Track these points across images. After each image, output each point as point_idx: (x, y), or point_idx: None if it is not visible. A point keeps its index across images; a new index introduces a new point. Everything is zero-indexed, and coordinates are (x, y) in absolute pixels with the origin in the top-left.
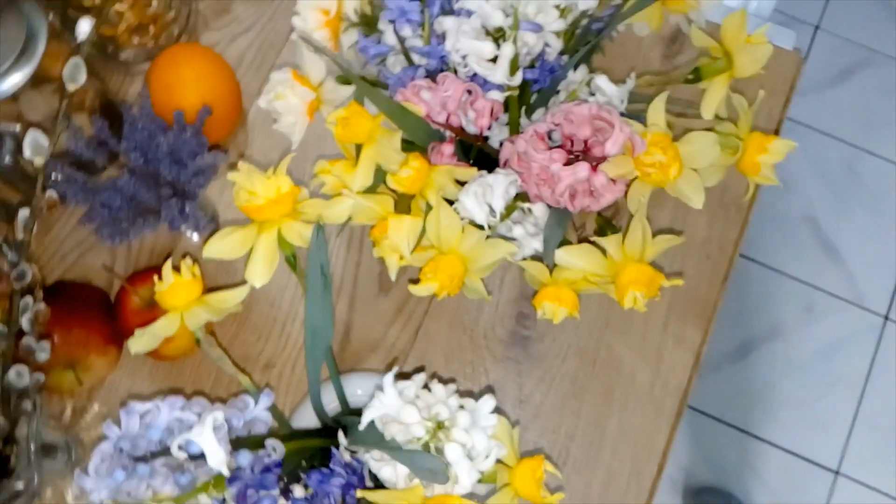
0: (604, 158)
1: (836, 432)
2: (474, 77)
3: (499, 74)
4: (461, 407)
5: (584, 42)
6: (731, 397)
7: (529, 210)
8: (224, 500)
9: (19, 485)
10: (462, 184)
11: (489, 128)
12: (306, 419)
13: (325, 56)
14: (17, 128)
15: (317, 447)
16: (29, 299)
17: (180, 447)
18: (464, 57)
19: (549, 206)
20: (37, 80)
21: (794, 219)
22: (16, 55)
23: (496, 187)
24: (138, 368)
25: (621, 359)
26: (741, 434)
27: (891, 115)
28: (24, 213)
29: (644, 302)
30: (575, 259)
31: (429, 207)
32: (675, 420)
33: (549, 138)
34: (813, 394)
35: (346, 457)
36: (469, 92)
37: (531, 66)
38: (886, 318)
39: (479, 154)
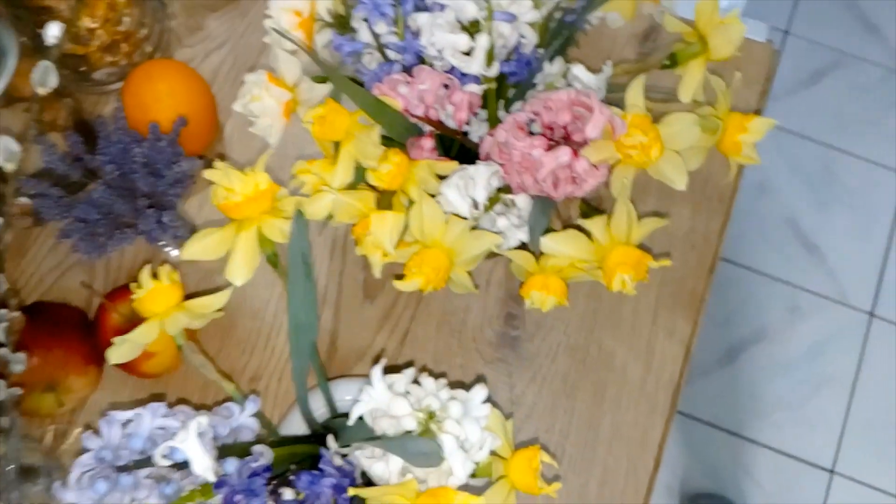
0: (585, 143)
1: (829, 431)
2: (451, 71)
3: (475, 65)
4: (452, 398)
5: (558, 35)
6: (722, 401)
7: (513, 202)
8: None
9: None
10: (443, 178)
11: (468, 122)
12: (294, 427)
13: (299, 56)
14: None
15: (307, 453)
16: (3, 311)
17: (164, 455)
18: (440, 51)
19: (533, 196)
20: (9, 99)
21: (774, 220)
22: None
23: (478, 179)
24: (120, 388)
25: (612, 355)
26: (734, 438)
27: (863, 115)
28: None
29: (632, 285)
30: (561, 245)
31: (411, 203)
32: (670, 414)
33: (529, 130)
34: (803, 394)
35: (338, 460)
36: (446, 86)
37: (507, 59)
38: (871, 314)
39: (460, 150)
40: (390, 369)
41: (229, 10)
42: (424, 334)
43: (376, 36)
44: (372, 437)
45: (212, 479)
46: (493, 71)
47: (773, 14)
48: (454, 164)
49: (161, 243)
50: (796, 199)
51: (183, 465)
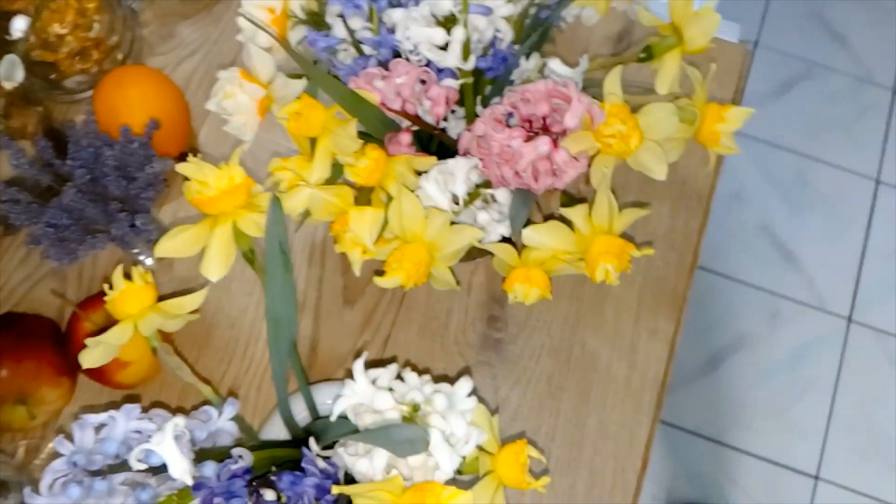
0: (564, 134)
1: (812, 437)
2: (427, 66)
3: (452, 58)
4: (437, 392)
5: (534, 31)
6: (705, 410)
7: (493, 197)
8: None
9: None
10: (422, 174)
11: (445, 118)
12: (275, 433)
13: (274, 54)
14: None
15: (288, 456)
16: None
17: (139, 459)
18: (415, 45)
19: (513, 189)
20: None
21: (750, 229)
22: None
23: (457, 173)
24: (94, 399)
25: (596, 355)
26: (718, 446)
27: (833, 123)
28: None
29: (615, 275)
30: (543, 237)
31: (389, 199)
32: (656, 412)
33: (507, 123)
34: (785, 400)
35: (320, 463)
36: (423, 81)
37: (483, 54)
38: (849, 319)
39: (438, 147)
40: (372, 365)
41: (202, 17)
42: (406, 339)
43: (351, 31)
44: (354, 433)
45: (189, 482)
46: (470, 64)
47: (742, 25)
48: (433, 160)
49: (135, 251)
50: (771, 208)
51: (159, 470)
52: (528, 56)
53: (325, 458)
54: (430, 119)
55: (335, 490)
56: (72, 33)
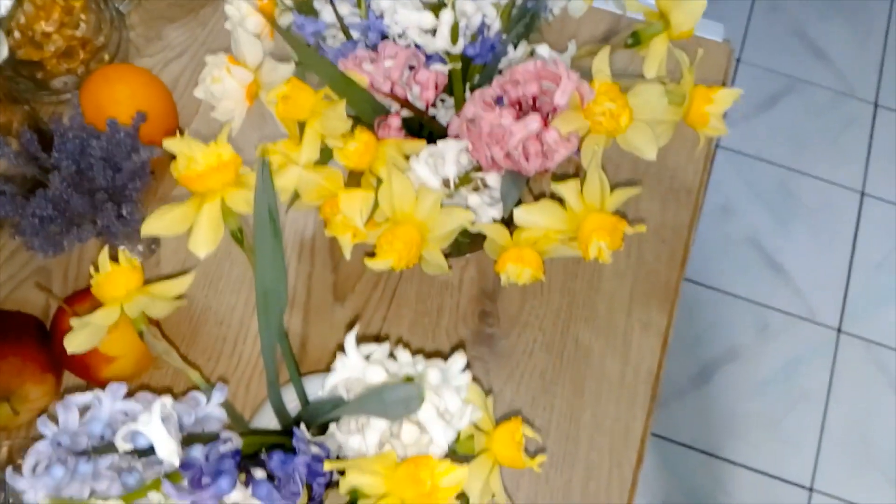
0: (554, 110)
1: (805, 448)
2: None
3: (440, 41)
4: (430, 367)
5: (521, 19)
6: (698, 423)
7: (483, 181)
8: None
9: None
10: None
11: (434, 104)
12: (265, 423)
13: (261, 41)
14: None
15: (279, 442)
16: None
17: (125, 439)
18: (404, 29)
19: (503, 174)
20: None
21: (738, 241)
22: None
23: (447, 154)
24: None
25: (589, 349)
26: (712, 459)
27: (817, 137)
28: None
29: (608, 253)
30: (534, 216)
31: (379, 183)
32: (650, 405)
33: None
34: (778, 412)
35: (313, 448)
36: (412, 67)
37: (472, 41)
38: (839, 330)
39: (429, 137)
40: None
41: (189, 20)
42: (397, 335)
43: (340, 17)
44: (344, 404)
45: (177, 463)
46: (458, 48)
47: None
48: (422, 143)
49: (122, 248)
50: (758, 220)
51: (146, 452)
52: (515, 45)
53: (317, 444)
54: (419, 104)
55: (328, 466)
56: (58, 31)
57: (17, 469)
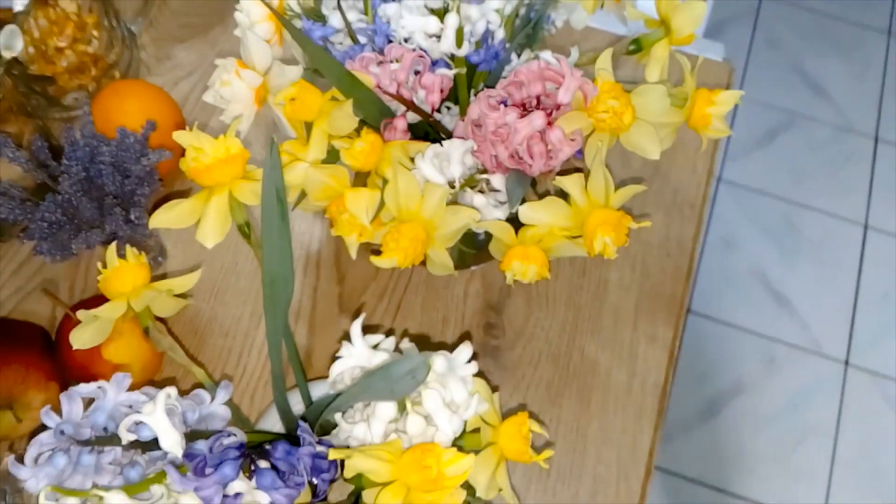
0: (558, 108)
1: (816, 482)
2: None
3: (446, 44)
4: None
5: (524, 29)
6: (706, 457)
7: (489, 183)
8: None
9: None
10: (417, 155)
11: (439, 109)
12: (269, 427)
13: (270, 47)
14: None
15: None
16: None
17: (129, 430)
18: (410, 34)
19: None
20: None
21: (743, 274)
22: None
23: (452, 154)
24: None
25: (595, 361)
26: (722, 494)
27: (818, 171)
28: None
29: (613, 248)
30: (539, 213)
31: (385, 183)
32: (658, 419)
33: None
34: (787, 445)
35: (320, 447)
36: (417, 72)
37: (476, 48)
38: (846, 363)
39: (435, 142)
40: None
41: (198, 41)
42: None
43: (348, 22)
44: (348, 389)
45: (180, 454)
46: (464, 51)
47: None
48: (428, 145)
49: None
50: (762, 253)
51: (149, 446)
52: (519, 53)
53: (322, 442)
54: (425, 108)
55: (333, 453)
56: (70, 47)
57: (20, 459)
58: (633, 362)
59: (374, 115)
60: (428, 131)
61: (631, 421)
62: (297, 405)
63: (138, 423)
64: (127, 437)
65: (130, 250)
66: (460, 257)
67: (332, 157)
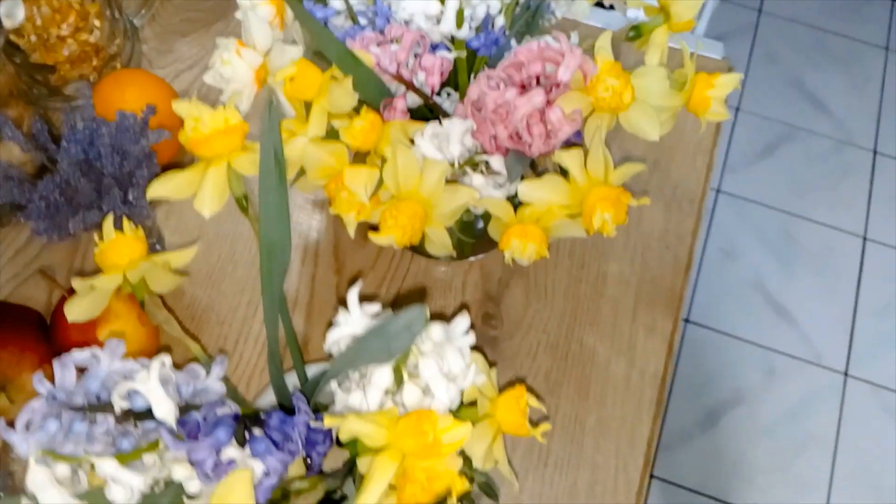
0: (558, 86)
1: (816, 492)
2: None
3: (446, 25)
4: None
5: (524, 17)
6: (705, 467)
7: (487, 165)
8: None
9: None
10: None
11: (439, 92)
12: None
13: (272, 29)
14: None
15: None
16: None
17: (122, 397)
18: (411, 16)
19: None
20: None
21: (743, 285)
22: None
23: (452, 133)
24: None
25: (594, 352)
26: None
27: (818, 183)
28: None
29: (612, 227)
30: (539, 191)
31: (384, 163)
32: (657, 409)
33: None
34: (787, 456)
35: (315, 423)
36: (416, 56)
37: (477, 33)
38: (846, 374)
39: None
40: None
41: (200, 35)
42: None
43: (349, 4)
44: (343, 353)
45: (173, 424)
46: (463, 32)
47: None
48: (427, 124)
49: None
50: (762, 265)
51: (142, 417)
52: (519, 41)
53: (316, 415)
54: (425, 91)
55: (328, 421)
56: (72, 36)
57: (10, 424)
58: (632, 353)
59: (373, 95)
60: (427, 116)
61: (630, 411)
62: (293, 386)
63: (132, 393)
64: (120, 404)
65: (127, 223)
66: (459, 247)
67: (332, 138)
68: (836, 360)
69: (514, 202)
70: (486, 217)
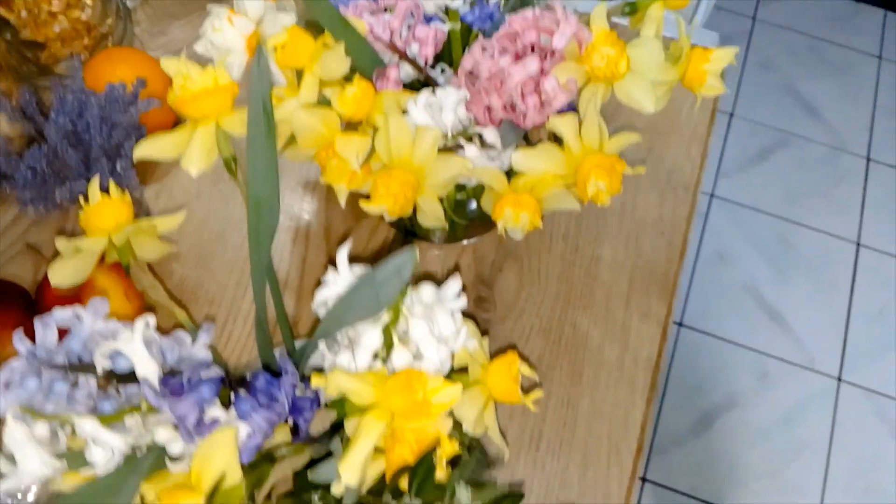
0: (553, 53)
1: (809, 497)
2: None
3: None
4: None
5: None
6: (699, 471)
7: (481, 138)
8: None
9: None
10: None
11: (433, 65)
12: None
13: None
14: None
15: None
16: None
17: (105, 357)
18: None
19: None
20: None
21: (737, 290)
22: None
23: (445, 102)
24: None
25: (587, 335)
26: None
27: (812, 189)
28: None
29: (607, 196)
30: (533, 160)
31: (376, 132)
32: (650, 393)
33: None
34: (781, 461)
35: (301, 391)
36: (409, 27)
37: (471, 7)
38: (839, 379)
39: None
40: None
41: (194, 18)
42: None
43: None
44: (334, 309)
45: (156, 383)
46: (458, 3)
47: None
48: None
49: None
50: (756, 269)
51: (124, 380)
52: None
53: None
54: (419, 62)
55: (315, 380)
56: (64, 13)
57: None
58: (625, 337)
59: (366, 65)
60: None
61: (623, 395)
62: (280, 353)
63: (115, 354)
64: (102, 363)
65: (114, 186)
66: (451, 230)
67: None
68: (829, 365)
69: (508, 176)
70: (479, 194)
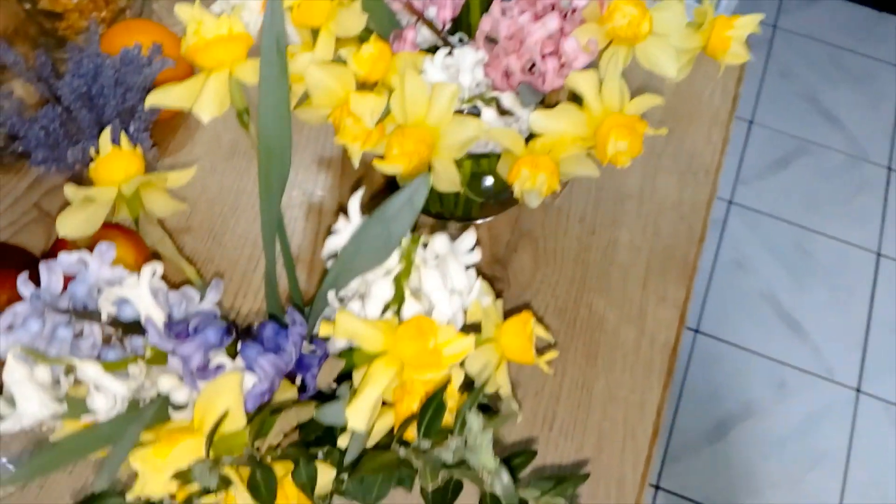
0: (573, 11)
1: None
2: None
3: None
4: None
5: None
6: (714, 480)
7: (499, 104)
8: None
9: None
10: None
11: (452, 31)
12: None
13: None
14: None
15: None
16: None
17: (111, 303)
18: None
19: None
20: None
21: (754, 297)
22: None
23: (463, 62)
24: None
25: (603, 318)
26: None
27: (830, 197)
28: None
29: (627, 157)
30: (552, 121)
31: (391, 93)
32: (667, 378)
33: None
34: (797, 471)
35: (308, 348)
36: None
37: None
38: (858, 390)
39: None
40: None
41: None
42: None
43: None
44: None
45: (161, 329)
46: None
47: (739, 105)
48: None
49: None
50: (774, 277)
51: (129, 330)
52: None
53: (313, 341)
54: (438, 25)
55: (323, 328)
56: None
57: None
58: (642, 321)
59: (383, 26)
60: None
61: (639, 379)
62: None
63: (120, 302)
64: (108, 309)
65: (125, 139)
66: (466, 208)
67: None
68: (848, 376)
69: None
70: (495, 167)
